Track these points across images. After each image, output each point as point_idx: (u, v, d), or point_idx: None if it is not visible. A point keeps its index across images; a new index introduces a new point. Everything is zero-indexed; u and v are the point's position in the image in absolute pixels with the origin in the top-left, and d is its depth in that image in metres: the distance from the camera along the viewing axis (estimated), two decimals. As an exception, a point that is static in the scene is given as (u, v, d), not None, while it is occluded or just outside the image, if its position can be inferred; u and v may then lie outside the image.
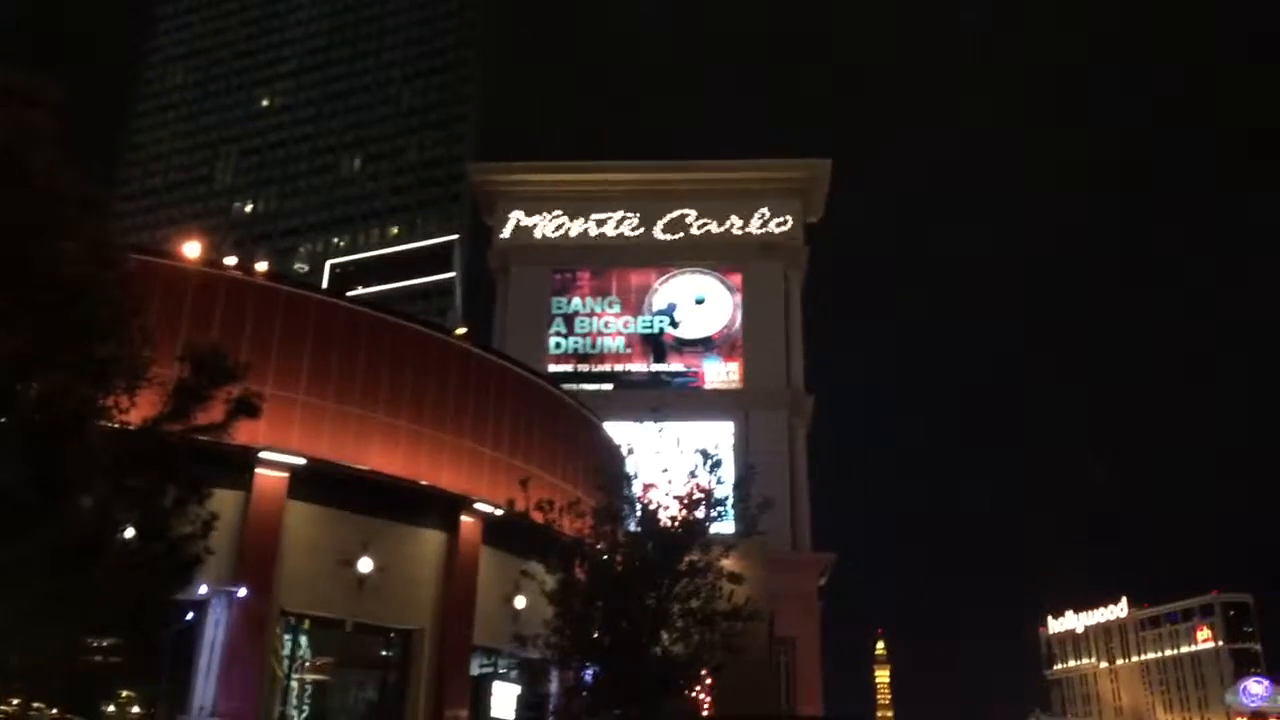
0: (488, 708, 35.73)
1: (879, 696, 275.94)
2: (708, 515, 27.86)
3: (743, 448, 67.15)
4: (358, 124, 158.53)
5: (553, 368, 73.51)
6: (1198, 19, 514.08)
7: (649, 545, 27.50)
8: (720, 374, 77.43)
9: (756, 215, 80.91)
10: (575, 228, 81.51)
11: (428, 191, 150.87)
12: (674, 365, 77.95)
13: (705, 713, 42.03)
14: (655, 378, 76.80)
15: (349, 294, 79.49)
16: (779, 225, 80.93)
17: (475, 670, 35.87)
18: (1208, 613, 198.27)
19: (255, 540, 29.49)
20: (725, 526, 29.31)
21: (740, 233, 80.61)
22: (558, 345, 78.40)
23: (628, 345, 78.61)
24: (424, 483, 33.65)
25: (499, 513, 33.53)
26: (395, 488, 32.77)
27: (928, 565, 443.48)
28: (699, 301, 79.41)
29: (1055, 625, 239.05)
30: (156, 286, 26.21)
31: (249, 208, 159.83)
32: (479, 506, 34.75)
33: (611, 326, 79.17)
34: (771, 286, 79.07)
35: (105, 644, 19.91)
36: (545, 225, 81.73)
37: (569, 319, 79.34)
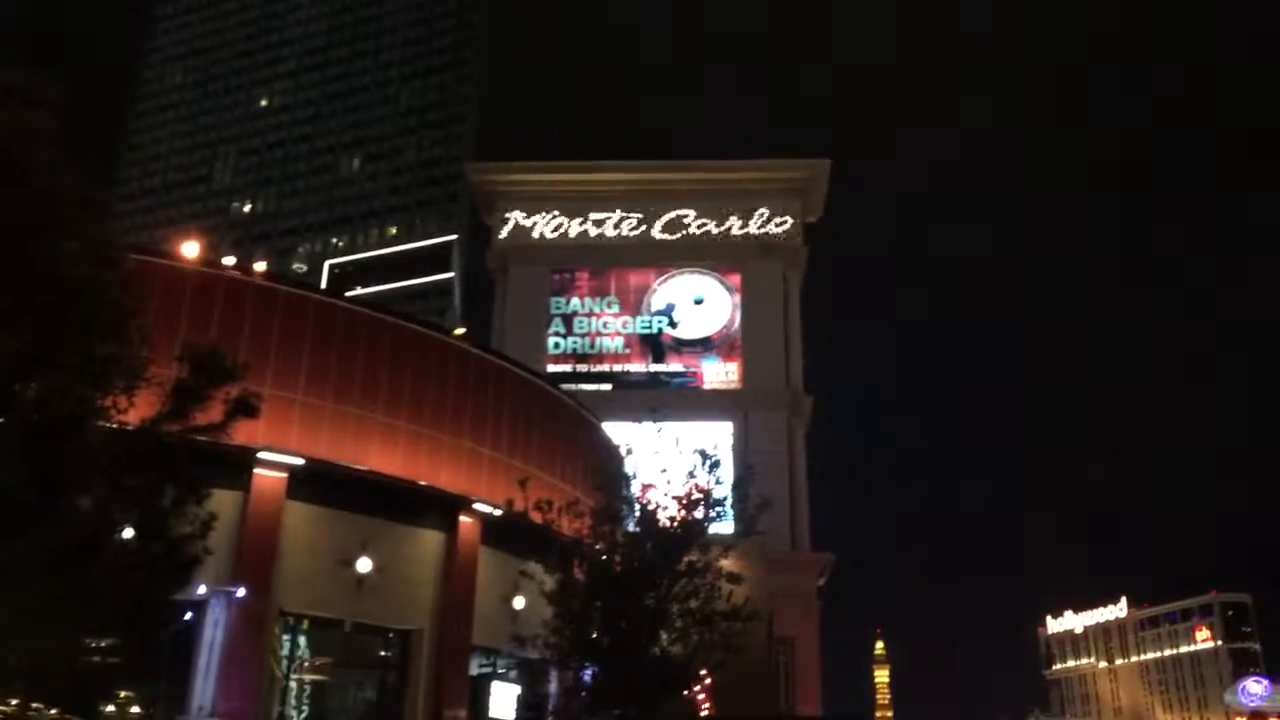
0: (487, 708, 35.73)
1: (878, 696, 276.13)
2: (707, 515, 27.85)
3: (742, 448, 67.16)
4: (356, 124, 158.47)
5: (551, 368, 73.53)
6: (1198, 19, 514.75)
7: (648, 545, 27.51)
8: (719, 374, 77.44)
9: (756, 215, 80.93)
10: (574, 228, 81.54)
11: (426, 191, 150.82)
12: (673, 365, 77.96)
13: (704, 713, 42.06)
14: (654, 378, 76.81)
15: (348, 294, 79.60)
16: (778, 225, 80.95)
17: (474, 670, 35.87)
18: (1207, 613, 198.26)
19: (254, 540, 29.48)
20: (724, 527, 29.30)
21: (739, 233, 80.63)
22: (556, 345, 78.41)
23: (626, 345, 78.62)
24: (423, 483, 33.65)
25: (498, 513, 33.54)
26: (394, 488, 32.76)
27: (927, 565, 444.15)
28: (698, 302, 79.43)
29: (1054, 625, 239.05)
30: (155, 286, 26.22)
31: (248, 208, 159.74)
32: (478, 507, 34.75)
33: (610, 326, 79.17)
34: (770, 286, 79.10)
35: (104, 644, 19.94)
36: (544, 225, 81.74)
37: (568, 319, 79.34)
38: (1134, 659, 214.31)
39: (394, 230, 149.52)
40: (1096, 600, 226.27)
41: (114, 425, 16.22)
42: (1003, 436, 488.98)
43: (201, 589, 26.25)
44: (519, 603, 34.42)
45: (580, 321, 79.35)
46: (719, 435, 64.43)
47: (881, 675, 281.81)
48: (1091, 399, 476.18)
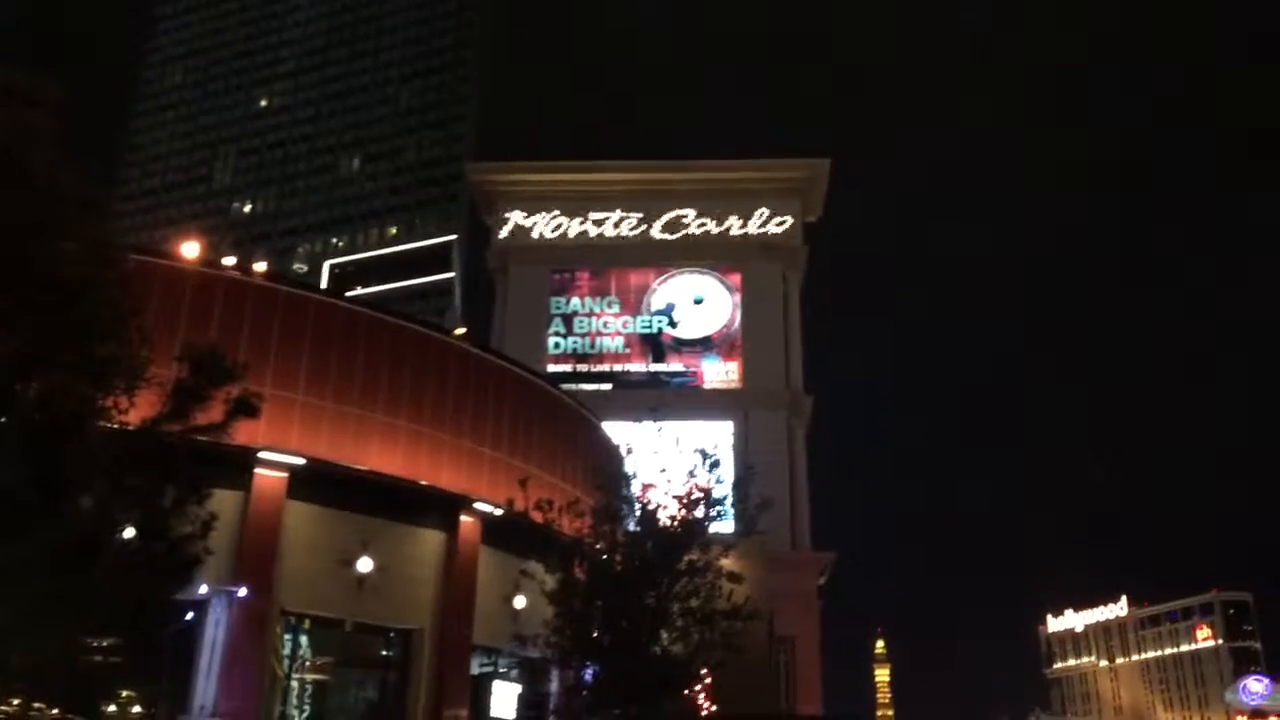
0: (488, 707, 35.73)
1: (879, 696, 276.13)
2: (707, 515, 27.86)
3: (742, 447, 67.15)
4: (356, 124, 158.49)
5: (552, 368, 73.54)
6: (1198, 19, 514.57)
7: (648, 545, 27.51)
8: (719, 374, 77.44)
9: (755, 215, 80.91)
10: (574, 227, 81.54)
11: (426, 191, 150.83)
12: (673, 365, 77.96)
13: (705, 712, 42.05)
14: (654, 377, 76.81)
15: (348, 294, 79.67)
16: (778, 225, 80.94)
17: (475, 670, 35.87)
18: (1207, 611, 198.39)
19: (255, 540, 29.50)
20: (724, 526, 29.32)
21: (739, 232, 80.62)
22: (557, 345, 78.41)
23: (627, 345, 78.62)
24: (423, 482, 33.66)
25: (498, 512, 33.55)
26: (394, 487, 32.78)
27: (927, 565, 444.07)
28: (698, 301, 79.43)
29: (1055, 624, 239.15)
30: (155, 286, 26.23)
31: (248, 208, 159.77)
32: (478, 506, 34.76)
33: (610, 326, 79.18)
34: (770, 286, 79.09)
35: (105, 644, 19.95)
36: (544, 225, 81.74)
37: (568, 319, 79.35)
38: (1135, 658, 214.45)
39: (394, 230, 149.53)
40: (1097, 599, 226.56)
41: (115, 425, 16.21)
42: (1003, 436, 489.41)
43: (203, 589, 26.29)
44: (520, 602, 34.45)
45: (580, 321, 79.35)
46: (719, 435, 64.45)
47: (882, 674, 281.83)
48: (1091, 399, 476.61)
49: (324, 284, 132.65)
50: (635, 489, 28.57)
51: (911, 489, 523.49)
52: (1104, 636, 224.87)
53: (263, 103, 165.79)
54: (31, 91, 14.84)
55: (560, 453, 39.81)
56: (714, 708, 42.96)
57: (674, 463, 28.70)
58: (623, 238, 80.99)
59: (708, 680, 34.48)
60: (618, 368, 77.88)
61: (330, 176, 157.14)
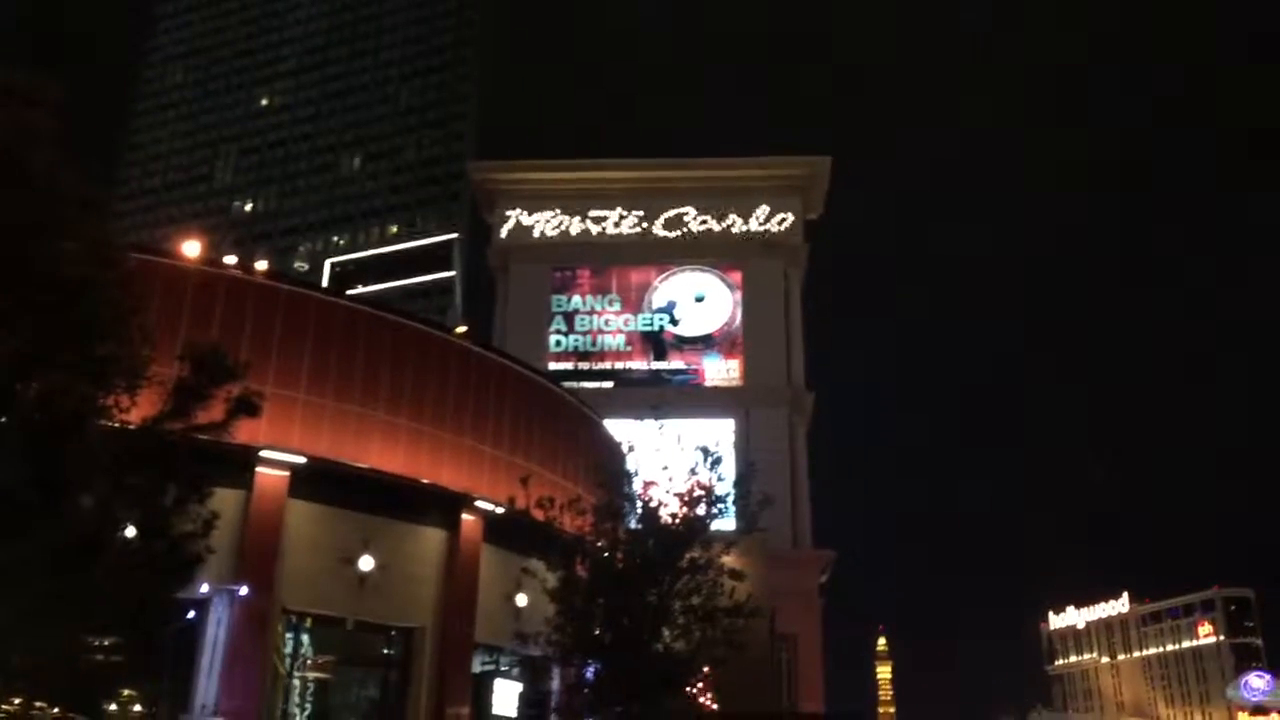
0: (489, 705, 35.74)
1: (880, 693, 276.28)
2: (708, 512, 27.86)
3: (743, 445, 67.19)
4: (357, 123, 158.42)
5: (553, 366, 73.56)
6: (1198, 19, 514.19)
7: (650, 542, 27.50)
8: (720, 371, 77.44)
9: (756, 213, 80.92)
10: (575, 226, 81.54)
11: (427, 190, 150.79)
12: (674, 363, 77.97)
13: (707, 709, 42.06)
14: (655, 375, 76.83)
15: (349, 293, 79.45)
16: (779, 223, 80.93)
17: (477, 668, 35.87)
18: (1209, 608, 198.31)
19: (256, 539, 29.50)
20: (726, 523, 29.34)
21: (740, 230, 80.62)
22: (558, 343, 78.44)
23: (628, 343, 78.64)
24: (424, 481, 33.66)
25: (500, 510, 33.55)
26: (396, 486, 32.77)
27: (928, 564, 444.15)
28: (699, 299, 79.43)
29: (1056, 621, 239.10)
30: (156, 286, 26.20)
31: (249, 207, 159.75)
32: (480, 504, 34.75)
33: (612, 324, 79.19)
34: (771, 284, 79.10)
35: (107, 643, 19.97)
36: (545, 223, 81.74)
37: (569, 317, 79.35)
38: (1136, 654, 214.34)
39: (395, 229, 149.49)
40: (1098, 596, 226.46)
41: (115, 424, 16.21)
42: (1003, 436, 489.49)
43: (204, 587, 26.32)
44: (521, 600, 34.48)
45: (581, 319, 79.37)
46: (720, 432, 64.23)
47: (883, 672, 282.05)
48: (1091, 399, 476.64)
49: (325, 283, 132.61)
50: (637, 487, 28.57)
51: (912, 488, 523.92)
52: (1105, 633, 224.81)
53: (263, 102, 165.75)
54: (31, 91, 14.83)
55: (561, 451, 39.80)
56: (716, 705, 43.00)
57: (675, 460, 28.71)
58: (623, 236, 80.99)
59: (709, 677, 34.48)
60: (619, 365, 77.89)
61: (331, 175, 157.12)
